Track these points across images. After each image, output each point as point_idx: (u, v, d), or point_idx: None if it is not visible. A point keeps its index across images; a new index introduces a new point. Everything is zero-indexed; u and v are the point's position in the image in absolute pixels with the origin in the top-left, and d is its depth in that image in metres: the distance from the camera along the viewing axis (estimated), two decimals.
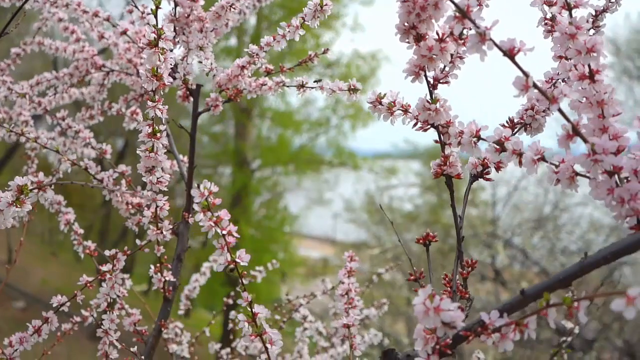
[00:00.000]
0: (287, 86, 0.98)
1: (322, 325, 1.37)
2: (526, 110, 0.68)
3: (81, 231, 1.10)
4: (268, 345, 0.65)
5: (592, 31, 0.72)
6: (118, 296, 0.98)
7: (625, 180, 0.53)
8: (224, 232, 0.62)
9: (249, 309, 0.65)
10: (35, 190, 0.69)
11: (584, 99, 0.54)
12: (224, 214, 0.62)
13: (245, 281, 0.65)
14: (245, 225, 10.50)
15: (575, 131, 0.52)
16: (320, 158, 12.05)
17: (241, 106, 11.14)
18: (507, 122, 0.69)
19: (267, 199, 11.77)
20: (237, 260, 0.63)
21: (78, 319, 1.11)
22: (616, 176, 0.53)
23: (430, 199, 10.87)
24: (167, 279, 0.97)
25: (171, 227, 0.91)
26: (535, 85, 0.50)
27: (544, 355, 6.13)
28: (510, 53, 0.51)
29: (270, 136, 12.14)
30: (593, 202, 8.04)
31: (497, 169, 0.67)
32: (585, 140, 0.51)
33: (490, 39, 0.50)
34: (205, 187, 0.61)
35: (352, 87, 0.85)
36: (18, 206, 0.67)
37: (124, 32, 1.04)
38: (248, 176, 10.98)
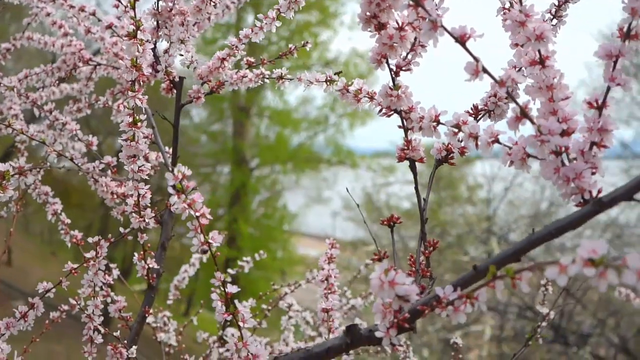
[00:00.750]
0: (267, 78, 1.00)
1: (309, 315, 1.40)
2: (489, 97, 0.71)
3: (68, 221, 1.13)
4: (240, 324, 0.67)
5: (554, 21, 0.75)
6: (104, 283, 1.01)
7: (574, 161, 0.55)
8: (198, 214, 0.65)
9: (222, 289, 0.68)
10: (17, 176, 0.72)
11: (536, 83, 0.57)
12: (198, 197, 0.65)
13: (230, 268, 0.68)
14: (244, 223, 10.52)
15: (523, 113, 0.54)
16: (318, 156, 12.08)
17: (239, 105, 11.17)
18: (471, 108, 0.71)
19: (266, 198, 11.79)
20: (210, 241, 0.66)
21: (66, 307, 1.13)
22: (565, 156, 0.56)
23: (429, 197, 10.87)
24: (150, 266, 0.99)
25: (154, 215, 0.94)
26: (484, 70, 0.53)
27: (539, 351, 6.17)
28: (461, 39, 0.53)
29: (268, 135, 12.17)
30: None
31: (462, 153, 0.70)
32: (532, 122, 0.54)
33: (442, 26, 0.53)
34: (179, 170, 0.64)
35: (328, 78, 0.88)
36: (0, 191, 0.70)
37: (109, 27, 1.06)
38: (247, 175, 11.01)
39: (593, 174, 0.54)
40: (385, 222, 0.72)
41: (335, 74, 0.88)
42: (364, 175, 11.94)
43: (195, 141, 11.66)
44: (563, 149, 0.54)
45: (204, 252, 0.66)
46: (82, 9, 1.12)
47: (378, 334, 0.57)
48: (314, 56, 10.92)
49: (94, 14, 1.13)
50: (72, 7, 1.12)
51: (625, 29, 0.55)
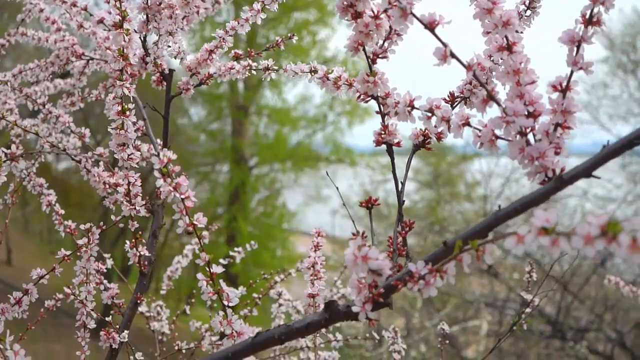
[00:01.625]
0: (254, 69, 1.03)
1: (299, 304, 1.43)
2: (465, 84, 0.74)
3: (62, 212, 1.16)
4: (225, 302, 0.70)
5: (528, 12, 0.77)
6: (97, 270, 1.04)
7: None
8: (183, 196, 0.67)
9: (207, 269, 0.70)
10: (9, 162, 0.74)
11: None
12: (183, 180, 0.68)
13: (203, 241, 0.71)
14: (243, 222, 10.54)
15: (490, 96, 0.57)
16: (317, 155, 12.11)
17: (238, 104, 11.20)
18: (447, 96, 0.74)
19: (265, 196, 11.81)
20: (195, 222, 0.68)
21: (60, 295, 1.16)
22: (531, 137, 0.58)
23: (426, 194, 10.93)
24: (142, 253, 1.02)
25: (144, 203, 0.96)
26: (452, 55, 0.56)
27: (536, 347, 6.20)
28: (430, 26, 0.56)
29: (267, 133, 12.20)
30: (585, 195, 8.11)
31: (438, 139, 0.73)
32: (498, 104, 0.57)
33: (412, 13, 0.55)
34: (165, 154, 0.66)
35: (313, 69, 0.90)
36: None
37: (101, 21, 1.08)
38: (246, 173, 11.03)
39: (557, 154, 0.57)
40: (363, 205, 0.74)
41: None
42: (362, 173, 11.96)
43: (195, 140, 11.68)
44: (528, 129, 0.57)
45: (189, 233, 0.69)
46: (74, 4, 1.14)
47: (354, 309, 0.60)
48: (312, 54, 10.94)
49: (85, 9, 1.15)
50: (64, 2, 1.15)
51: (587, 16, 0.57)
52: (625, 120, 9.21)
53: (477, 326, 6.23)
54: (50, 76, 1.26)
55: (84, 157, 1.07)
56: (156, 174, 0.67)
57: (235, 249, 1.48)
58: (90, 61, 1.27)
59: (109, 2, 1.12)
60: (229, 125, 12.02)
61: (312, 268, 1.00)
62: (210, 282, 0.70)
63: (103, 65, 1.26)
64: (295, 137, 12.28)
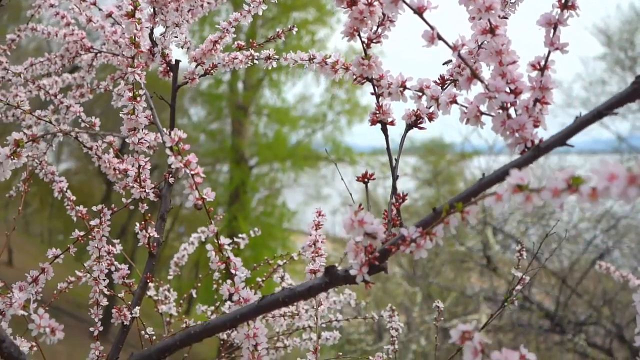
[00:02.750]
0: (256, 59, 1.08)
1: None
2: (454, 67, 0.79)
3: (73, 198, 1.21)
4: (233, 271, 0.75)
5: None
6: (107, 252, 1.09)
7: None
8: (193, 172, 0.72)
9: (216, 241, 0.76)
10: (30, 143, 0.80)
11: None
12: (192, 157, 0.73)
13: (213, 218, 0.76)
14: (243, 222, 10.59)
15: (473, 74, 0.62)
16: (317, 154, 12.15)
17: (237, 104, 11.25)
18: (438, 78, 0.79)
19: (265, 196, 11.85)
20: (205, 196, 0.74)
21: (73, 278, 1.21)
22: (513, 112, 0.64)
23: (426, 192, 10.99)
24: (151, 235, 1.07)
25: (153, 186, 1.02)
26: (439, 37, 0.61)
27: (535, 341, 6.25)
28: (419, 11, 0.61)
29: (267, 133, 12.24)
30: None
31: (430, 119, 0.78)
32: (481, 81, 0.62)
33: (403, 0, 0.61)
34: (175, 133, 0.72)
35: (311, 56, 0.95)
36: (15, 158, 0.78)
37: (109, 15, 1.14)
38: (246, 173, 11.07)
39: (536, 126, 0.62)
40: (360, 179, 0.80)
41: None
42: (362, 171, 11.98)
43: (194, 140, 11.73)
44: (509, 104, 0.62)
45: (198, 207, 0.74)
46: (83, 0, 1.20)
47: (352, 272, 0.65)
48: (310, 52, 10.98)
49: (94, 3, 1.21)
50: None
51: (563, 1, 0.63)
52: (624, 116, 9.26)
53: (477, 320, 6.28)
54: (60, 69, 1.32)
55: (95, 144, 1.13)
56: (167, 152, 0.72)
57: (240, 235, 1.54)
58: (98, 54, 1.32)
59: None
60: (229, 125, 12.06)
61: (313, 245, 1.06)
62: (219, 252, 0.75)
63: (110, 58, 1.32)
64: (295, 136, 12.33)
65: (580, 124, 0.57)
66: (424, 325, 5.43)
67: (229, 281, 0.76)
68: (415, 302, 5.80)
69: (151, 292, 1.38)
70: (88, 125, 1.16)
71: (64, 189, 1.21)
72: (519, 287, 1.17)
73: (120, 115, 0.90)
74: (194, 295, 1.74)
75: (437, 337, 1.27)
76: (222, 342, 1.52)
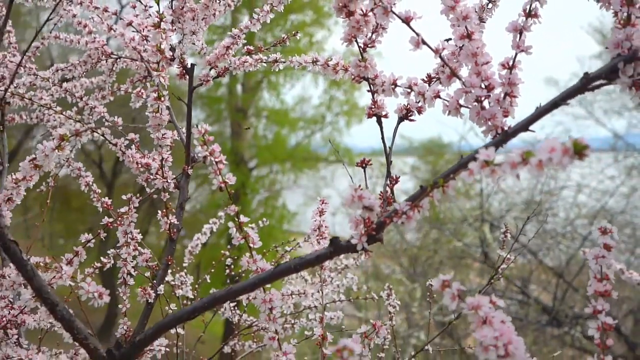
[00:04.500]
0: (265, 62, 1.20)
1: (306, 274, 1.60)
2: (439, 67, 0.91)
3: (99, 190, 1.33)
4: (251, 245, 0.88)
5: (490, 5, 0.95)
6: (132, 238, 1.21)
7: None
8: (217, 160, 0.85)
9: (237, 219, 0.88)
10: (74, 137, 0.92)
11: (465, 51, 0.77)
12: (216, 147, 0.85)
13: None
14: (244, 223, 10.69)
15: (453, 73, 0.74)
16: (316, 155, 12.26)
17: (237, 106, 11.37)
18: (425, 76, 0.91)
19: (265, 197, 11.96)
20: (226, 180, 0.86)
21: (112, 251, 1.32)
22: (487, 103, 0.76)
23: None
24: (172, 222, 1.19)
25: (174, 177, 1.14)
26: (423, 42, 0.73)
27: (532, 334, 6.37)
28: (406, 20, 0.73)
29: (266, 135, 12.36)
30: (579, 187, 8.28)
31: (419, 112, 0.90)
32: (459, 79, 0.74)
33: (391, 11, 0.73)
34: (202, 127, 0.84)
35: (314, 59, 1.08)
36: (59, 151, 0.89)
37: (130, 24, 1.26)
38: (246, 175, 11.18)
39: (506, 116, 0.74)
40: (359, 164, 0.92)
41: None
42: (361, 171, 12.06)
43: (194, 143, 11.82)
44: (483, 98, 0.74)
45: (221, 189, 0.86)
46: (105, 10, 1.32)
47: (353, 241, 0.77)
48: (311, 55, 11.11)
49: (115, 13, 1.33)
50: (96, 7, 1.32)
51: (527, 10, 0.75)
52: (620, 114, 9.39)
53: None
54: (84, 73, 1.44)
55: (118, 140, 1.25)
56: (195, 142, 0.84)
57: (250, 225, 1.65)
58: (118, 60, 1.44)
59: (135, 7, 1.30)
60: (228, 128, 12.16)
61: (317, 230, 1.18)
62: (239, 229, 0.87)
63: (129, 63, 1.44)
64: (294, 138, 12.44)
65: (540, 113, 0.69)
66: (424, 321, 5.54)
67: (247, 254, 0.88)
68: (414, 298, 5.92)
69: (168, 278, 1.49)
70: (112, 124, 1.28)
71: (90, 183, 1.33)
72: (503, 266, 1.29)
73: (147, 113, 1.02)
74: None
75: (430, 313, 1.39)
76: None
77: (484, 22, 0.90)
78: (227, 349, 1.64)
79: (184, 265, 1.65)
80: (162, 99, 0.99)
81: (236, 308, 1.63)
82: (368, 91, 0.87)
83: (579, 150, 0.51)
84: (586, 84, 0.67)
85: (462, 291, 0.63)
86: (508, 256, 1.32)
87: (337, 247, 0.80)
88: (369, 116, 0.88)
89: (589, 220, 7.01)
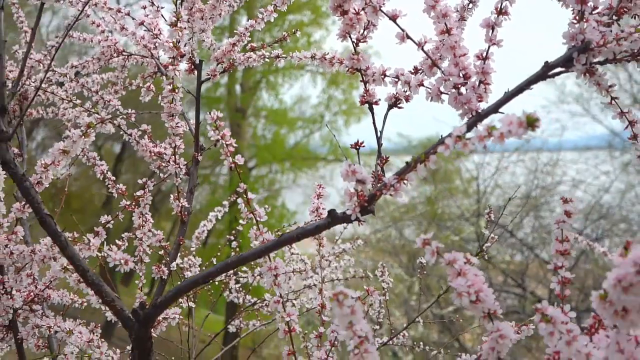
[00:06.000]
0: (267, 58, 1.31)
1: (306, 258, 1.71)
2: (424, 59, 1.02)
3: (113, 178, 1.44)
4: (258, 218, 0.98)
5: (470, 5, 1.06)
6: (146, 220, 1.32)
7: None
8: (227, 142, 0.95)
9: (245, 196, 0.99)
10: (99, 124, 1.02)
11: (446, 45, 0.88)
12: (227, 131, 0.96)
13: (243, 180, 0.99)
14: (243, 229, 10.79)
15: (433, 64, 0.85)
16: (315, 154, 12.36)
17: (236, 107, 11.48)
18: (413, 68, 1.02)
19: (265, 197, 12.06)
20: (236, 161, 0.96)
21: (127, 234, 1.42)
22: (464, 90, 0.87)
23: (425, 190, 11.22)
24: (183, 205, 1.30)
25: (186, 163, 1.24)
26: (408, 36, 0.84)
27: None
28: (393, 18, 0.84)
29: (265, 134, 12.46)
30: (576, 183, 8.42)
31: (406, 100, 1.01)
32: (439, 68, 0.85)
33: (380, 10, 0.84)
34: (215, 113, 0.95)
35: (313, 55, 1.19)
36: (86, 137, 1.00)
37: (142, 23, 1.37)
38: (245, 175, 11.28)
39: (480, 101, 0.85)
40: (353, 146, 1.03)
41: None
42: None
43: (193, 143, 11.92)
44: (460, 85, 0.85)
45: (232, 169, 0.97)
46: (119, 10, 1.42)
47: (348, 212, 0.88)
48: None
49: (128, 14, 1.43)
50: (110, 9, 1.43)
51: (498, 8, 0.86)
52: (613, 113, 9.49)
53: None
54: (98, 69, 1.54)
55: (133, 131, 1.35)
56: (209, 127, 0.95)
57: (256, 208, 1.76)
58: (130, 57, 1.55)
59: (145, 8, 1.41)
60: (227, 128, 12.21)
61: (315, 211, 1.29)
62: (247, 204, 0.98)
63: (139, 59, 1.55)
64: (293, 138, 12.54)
65: (508, 97, 0.80)
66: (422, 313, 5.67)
67: (254, 227, 0.99)
68: (413, 292, 6.03)
69: (178, 261, 1.60)
70: (126, 116, 1.39)
71: (105, 171, 1.44)
72: (487, 244, 1.40)
73: (161, 103, 1.13)
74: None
75: (421, 288, 1.49)
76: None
77: (465, 20, 1.01)
78: (231, 329, 1.74)
79: (192, 250, 1.76)
80: (176, 90, 1.10)
81: (241, 289, 1.73)
82: (361, 81, 0.98)
83: (531, 123, 0.61)
84: (546, 71, 0.78)
85: (440, 248, 0.74)
86: (492, 235, 1.43)
87: (334, 217, 0.91)
88: (362, 103, 0.98)
89: (585, 216, 7.14)
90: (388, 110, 1.02)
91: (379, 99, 0.98)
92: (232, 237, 1.81)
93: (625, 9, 0.81)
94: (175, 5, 1.08)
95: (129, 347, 1.36)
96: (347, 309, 0.68)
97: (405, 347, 1.62)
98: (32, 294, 1.20)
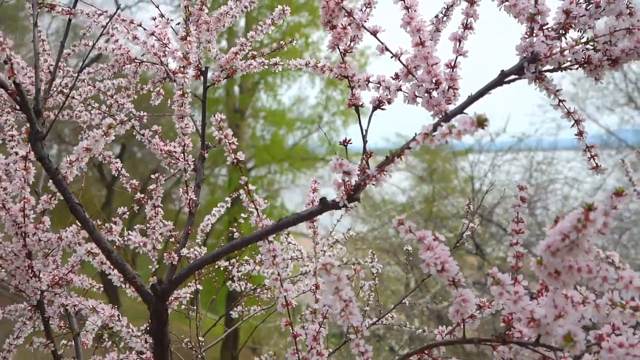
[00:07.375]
0: (267, 65, 1.46)
1: (303, 247, 1.85)
2: (402, 69, 1.16)
3: (127, 174, 1.58)
4: (257, 207, 1.13)
5: (445, 18, 1.20)
6: (157, 212, 1.46)
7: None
8: (230, 141, 1.10)
9: (246, 187, 1.13)
10: (119, 125, 1.17)
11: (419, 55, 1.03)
12: (230, 131, 1.10)
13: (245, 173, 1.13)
14: (243, 224, 10.93)
15: (409, 72, 1.00)
16: (314, 155, 12.49)
17: (234, 108, 11.62)
18: (394, 74, 1.16)
19: (264, 197, 12.16)
20: (238, 157, 1.11)
21: (140, 225, 1.57)
22: (435, 94, 1.01)
23: (422, 190, 11.35)
24: (191, 197, 1.44)
25: (194, 160, 1.39)
26: (386, 48, 0.98)
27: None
28: (374, 33, 0.99)
29: (263, 135, 12.59)
30: (572, 182, 8.57)
31: (389, 102, 1.15)
32: (414, 76, 0.99)
33: (363, 26, 0.98)
34: (219, 116, 1.09)
35: (307, 62, 1.33)
36: (106, 137, 1.14)
37: (152, 33, 1.51)
38: (245, 174, 11.41)
39: (449, 103, 1.00)
40: (342, 143, 1.17)
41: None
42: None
43: (193, 144, 12.05)
44: (432, 90, 0.99)
45: (234, 164, 1.11)
46: (131, 22, 1.57)
47: (337, 199, 1.02)
48: (306, 57, 11.37)
49: (140, 24, 1.58)
50: (123, 20, 1.57)
51: (464, 24, 1.00)
52: (612, 110, 9.67)
53: None
54: (112, 75, 1.69)
55: (144, 132, 1.50)
56: (213, 127, 1.09)
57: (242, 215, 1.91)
58: (141, 64, 1.69)
59: (154, 19, 1.55)
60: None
61: (311, 204, 1.43)
62: (248, 194, 1.12)
63: (150, 66, 1.69)
64: (292, 138, 12.67)
65: (470, 100, 0.94)
66: (417, 308, 5.81)
67: (255, 214, 1.13)
68: (409, 288, 6.18)
69: (184, 251, 1.74)
70: (138, 118, 1.53)
71: (120, 168, 1.58)
72: (468, 232, 1.54)
73: (172, 107, 1.28)
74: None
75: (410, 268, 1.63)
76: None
77: (440, 32, 1.15)
78: (234, 315, 1.89)
79: (197, 241, 1.90)
80: (186, 95, 1.24)
81: (243, 277, 1.88)
82: (348, 86, 1.12)
83: (480, 122, 0.76)
84: (502, 78, 0.92)
85: (413, 227, 0.88)
86: (472, 225, 1.57)
87: (325, 204, 1.05)
88: (349, 106, 1.13)
89: None
90: (373, 111, 1.16)
91: (364, 103, 1.12)
92: (234, 230, 1.96)
93: (571, 25, 0.96)
94: (185, 21, 1.22)
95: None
96: (334, 277, 0.83)
97: (393, 327, 1.75)
98: (56, 277, 1.35)
